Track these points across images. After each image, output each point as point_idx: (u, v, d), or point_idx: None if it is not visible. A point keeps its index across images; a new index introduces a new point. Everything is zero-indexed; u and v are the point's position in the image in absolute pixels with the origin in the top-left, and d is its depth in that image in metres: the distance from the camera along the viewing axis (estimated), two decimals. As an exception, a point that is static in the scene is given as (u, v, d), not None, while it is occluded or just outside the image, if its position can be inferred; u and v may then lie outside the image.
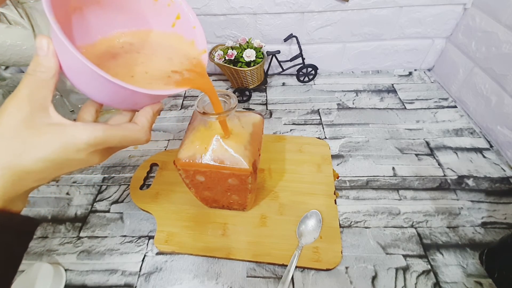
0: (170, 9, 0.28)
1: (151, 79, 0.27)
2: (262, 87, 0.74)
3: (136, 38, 0.29)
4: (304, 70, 0.74)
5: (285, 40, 0.69)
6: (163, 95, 0.26)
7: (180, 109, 0.69)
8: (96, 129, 0.23)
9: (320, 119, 0.65)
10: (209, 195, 0.44)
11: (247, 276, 0.42)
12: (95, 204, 0.50)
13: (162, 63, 0.28)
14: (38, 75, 0.23)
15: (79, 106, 0.59)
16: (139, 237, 0.46)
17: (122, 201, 0.51)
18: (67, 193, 0.52)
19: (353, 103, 0.69)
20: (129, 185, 0.52)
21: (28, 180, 0.23)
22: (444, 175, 0.53)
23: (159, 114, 0.30)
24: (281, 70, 0.72)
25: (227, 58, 0.66)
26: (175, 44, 0.30)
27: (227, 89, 0.75)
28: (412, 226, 0.46)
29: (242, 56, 0.64)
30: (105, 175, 0.55)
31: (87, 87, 0.25)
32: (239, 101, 0.70)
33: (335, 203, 0.48)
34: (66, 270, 0.43)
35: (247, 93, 0.70)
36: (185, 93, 0.74)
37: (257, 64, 0.65)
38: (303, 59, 0.71)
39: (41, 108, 0.23)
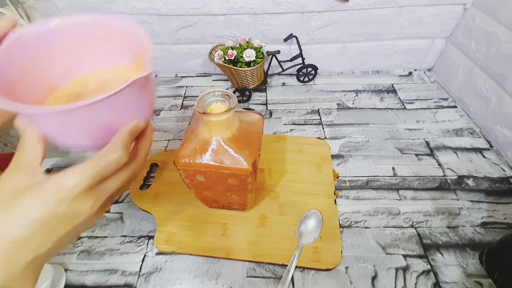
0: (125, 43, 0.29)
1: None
2: (262, 87, 0.74)
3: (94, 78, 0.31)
4: (304, 70, 0.74)
5: (285, 40, 0.69)
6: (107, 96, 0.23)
7: (180, 109, 0.69)
8: (69, 171, 0.22)
9: (320, 119, 0.65)
10: (209, 195, 0.44)
11: (247, 276, 0.42)
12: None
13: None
14: (23, 146, 0.24)
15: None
16: (139, 237, 0.46)
17: (122, 201, 0.51)
18: (67, 193, 0.52)
19: (353, 103, 0.69)
20: (129, 185, 0.52)
21: (22, 251, 0.21)
22: (444, 175, 0.53)
23: (149, 139, 0.28)
24: (281, 70, 0.72)
25: (227, 58, 0.66)
26: (122, 74, 0.31)
27: (227, 89, 0.75)
28: (412, 226, 0.46)
29: (242, 56, 0.64)
30: (105, 175, 0.55)
31: (62, 134, 0.25)
32: (239, 101, 0.70)
33: (335, 203, 0.48)
34: (66, 270, 0.43)
35: (247, 93, 0.70)
36: (185, 93, 0.74)
37: (257, 64, 0.65)
38: (303, 59, 0.71)
39: (27, 173, 0.23)
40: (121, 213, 0.49)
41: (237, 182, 0.38)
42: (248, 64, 0.65)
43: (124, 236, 0.46)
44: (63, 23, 0.28)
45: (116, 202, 0.51)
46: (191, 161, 0.36)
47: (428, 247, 0.44)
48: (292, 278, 0.41)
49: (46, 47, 0.28)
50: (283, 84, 0.76)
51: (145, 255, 0.44)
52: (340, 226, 0.46)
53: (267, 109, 0.68)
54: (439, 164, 0.55)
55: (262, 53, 0.67)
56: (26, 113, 0.23)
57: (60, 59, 0.29)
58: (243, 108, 0.69)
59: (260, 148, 0.40)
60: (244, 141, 0.37)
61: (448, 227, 0.46)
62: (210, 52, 0.70)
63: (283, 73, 0.74)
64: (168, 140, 0.61)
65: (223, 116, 0.33)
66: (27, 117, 0.24)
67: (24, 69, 0.26)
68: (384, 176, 0.53)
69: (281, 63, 0.71)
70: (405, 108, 0.67)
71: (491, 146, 0.58)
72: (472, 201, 0.49)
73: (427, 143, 0.59)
